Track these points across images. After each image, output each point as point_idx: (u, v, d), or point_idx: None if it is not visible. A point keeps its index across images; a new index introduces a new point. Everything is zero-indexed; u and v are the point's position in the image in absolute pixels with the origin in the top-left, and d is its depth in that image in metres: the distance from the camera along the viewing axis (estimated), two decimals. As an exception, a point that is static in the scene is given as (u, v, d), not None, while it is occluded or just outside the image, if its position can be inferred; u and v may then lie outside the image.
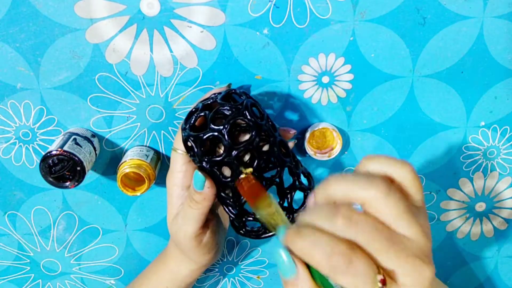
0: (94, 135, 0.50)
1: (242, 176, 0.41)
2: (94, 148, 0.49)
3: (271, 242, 0.59)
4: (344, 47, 0.48)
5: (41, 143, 0.51)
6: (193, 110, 0.43)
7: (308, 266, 0.32)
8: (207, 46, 0.47)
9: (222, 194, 0.44)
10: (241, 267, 0.61)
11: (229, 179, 0.42)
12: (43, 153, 0.46)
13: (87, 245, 0.57)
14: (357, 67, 0.49)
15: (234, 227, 0.46)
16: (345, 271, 0.29)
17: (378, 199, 0.30)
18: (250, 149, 0.41)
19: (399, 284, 0.30)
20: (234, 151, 0.41)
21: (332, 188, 0.32)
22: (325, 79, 0.50)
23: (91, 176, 0.53)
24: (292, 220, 0.44)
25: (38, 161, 0.51)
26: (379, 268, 0.30)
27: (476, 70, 0.50)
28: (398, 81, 0.50)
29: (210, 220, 0.45)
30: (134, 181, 0.50)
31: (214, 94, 0.44)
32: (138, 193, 0.49)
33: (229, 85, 0.47)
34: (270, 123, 0.44)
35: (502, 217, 0.60)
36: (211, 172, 0.42)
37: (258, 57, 0.48)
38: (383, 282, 0.30)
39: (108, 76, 0.48)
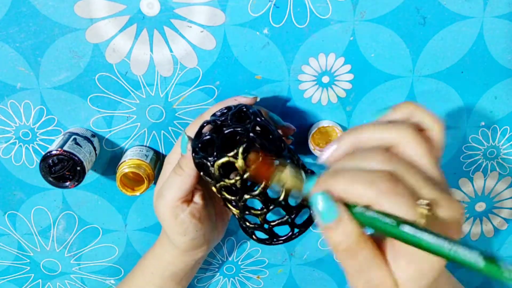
0: (94, 135, 0.50)
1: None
2: (94, 148, 0.49)
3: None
4: (344, 47, 0.48)
5: (41, 143, 0.51)
6: (205, 125, 0.43)
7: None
8: (207, 46, 0.47)
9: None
10: (241, 267, 0.61)
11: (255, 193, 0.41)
12: (43, 153, 0.46)
13: (87, 245, 0.57)
14: (357, 67, 0.49)
15: (246, 233, 0.46)
16: (390, 193, 0.29)
17: (408, 139, 0.31)
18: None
19: (436, 215, 0.30)
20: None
21: (362, 132, 0.33)
22: (325, 79, 0.50)
23: (91, 176, 0.53)
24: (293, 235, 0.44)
25: (38, 161, 0.51)
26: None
27: (476, 70, 0.50)
28: (398, 81, 0.50)
29: (191, 202, 0.46)
30: (134, 181, 0.50)
31: (226, 110, 0.43)
32: (137, 193, 0.49)
33: (255, 98, 0.46)
34: (282, 144, 0.43)
35: (502, 217, 0.60)
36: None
37: (258, 57, 0.48)
38: (430, 205, 0.29)
39: (108, 76, 0.48)
